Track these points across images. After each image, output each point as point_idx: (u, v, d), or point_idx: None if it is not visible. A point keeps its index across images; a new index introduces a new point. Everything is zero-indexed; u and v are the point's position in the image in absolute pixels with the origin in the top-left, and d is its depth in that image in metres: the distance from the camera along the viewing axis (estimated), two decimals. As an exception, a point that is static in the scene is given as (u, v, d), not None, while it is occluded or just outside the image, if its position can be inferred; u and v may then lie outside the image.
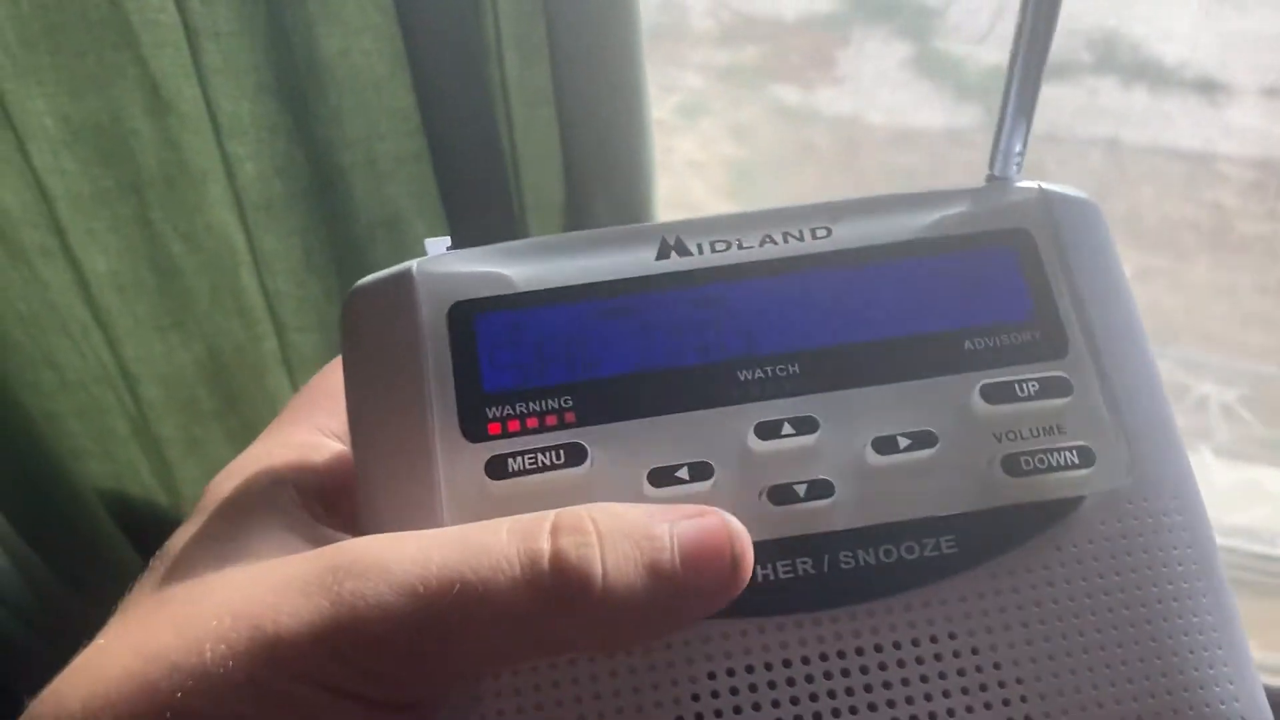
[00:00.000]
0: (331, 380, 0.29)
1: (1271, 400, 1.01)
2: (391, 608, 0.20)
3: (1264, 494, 0.93)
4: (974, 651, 0.24)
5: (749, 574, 0.23)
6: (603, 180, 0.56)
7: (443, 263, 0.27)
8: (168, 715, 0.19)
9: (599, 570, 0.22)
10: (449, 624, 0.21)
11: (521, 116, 0.55)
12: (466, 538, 0.22)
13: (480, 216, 0.60)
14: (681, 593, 0.22)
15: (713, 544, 0.23)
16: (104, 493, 0.84)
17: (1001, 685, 0.24)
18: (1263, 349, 1.05)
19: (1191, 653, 0.24)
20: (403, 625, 0.20)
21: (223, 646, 0.20)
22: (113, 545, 0.84)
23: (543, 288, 0.27)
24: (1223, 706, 0.24)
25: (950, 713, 0.24)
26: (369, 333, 0.27)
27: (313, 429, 0.28)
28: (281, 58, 0.57)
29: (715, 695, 0.24)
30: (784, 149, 1.23)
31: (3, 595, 0.86)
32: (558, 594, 0.21)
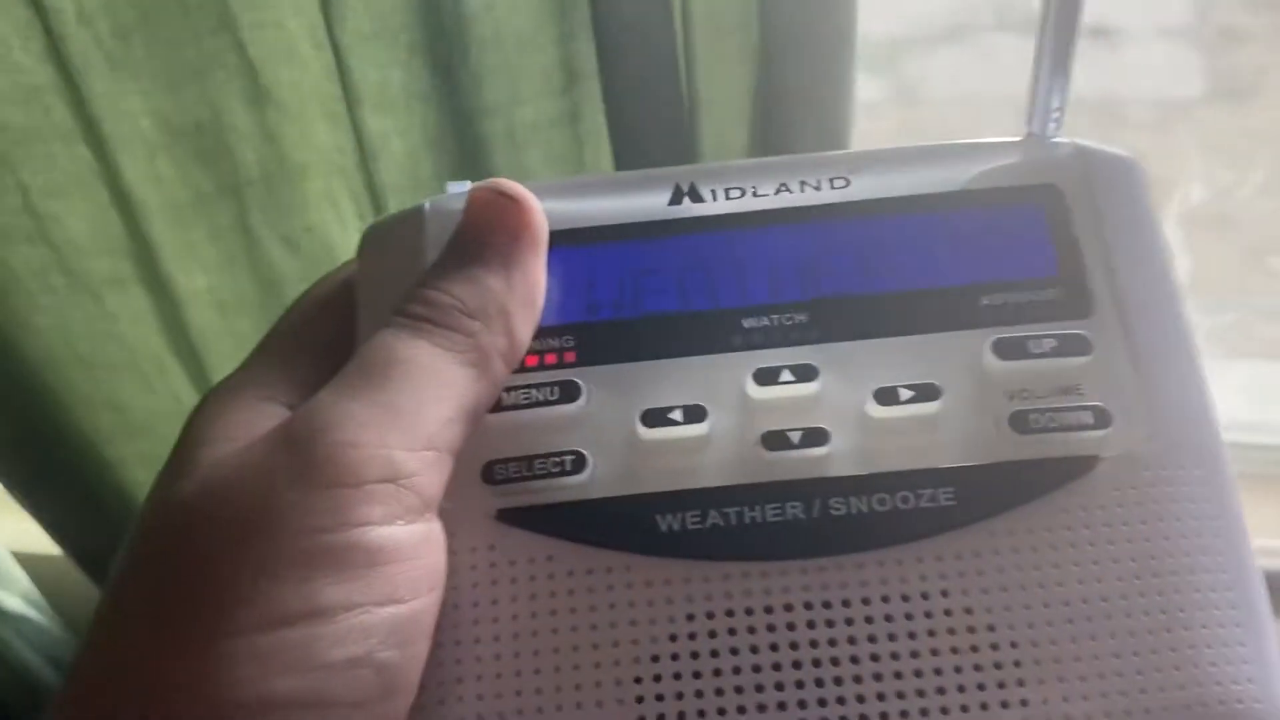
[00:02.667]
0: (302, 320, 0.29)
1: None
2: None
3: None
4: (967, 611, 0.23)
5: (528, 202, 0.26)
6: (796, 128, 0.53)
7: (455, 201, 0.27)
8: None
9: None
10: None
11: (706, 50, 0.52)
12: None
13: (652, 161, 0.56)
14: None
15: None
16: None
17: (994, 648, 0.23)
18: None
19: (1205, 628, 0.23)
20: None
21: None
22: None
23: (552, 229, 0.27)
24: (1235, 687, 0.23)
25: (938, 671, 0.23)
26: (380, 266, 0.28)
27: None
28: (429, 15, 0.52)
29: (692, 637, 0.23)
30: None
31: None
32: None
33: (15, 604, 0.79)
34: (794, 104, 0.53)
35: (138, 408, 0.71)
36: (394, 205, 0.58)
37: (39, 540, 0.78)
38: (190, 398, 0.70)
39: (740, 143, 0.55)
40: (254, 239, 0.62)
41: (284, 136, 0.59)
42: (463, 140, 0.57)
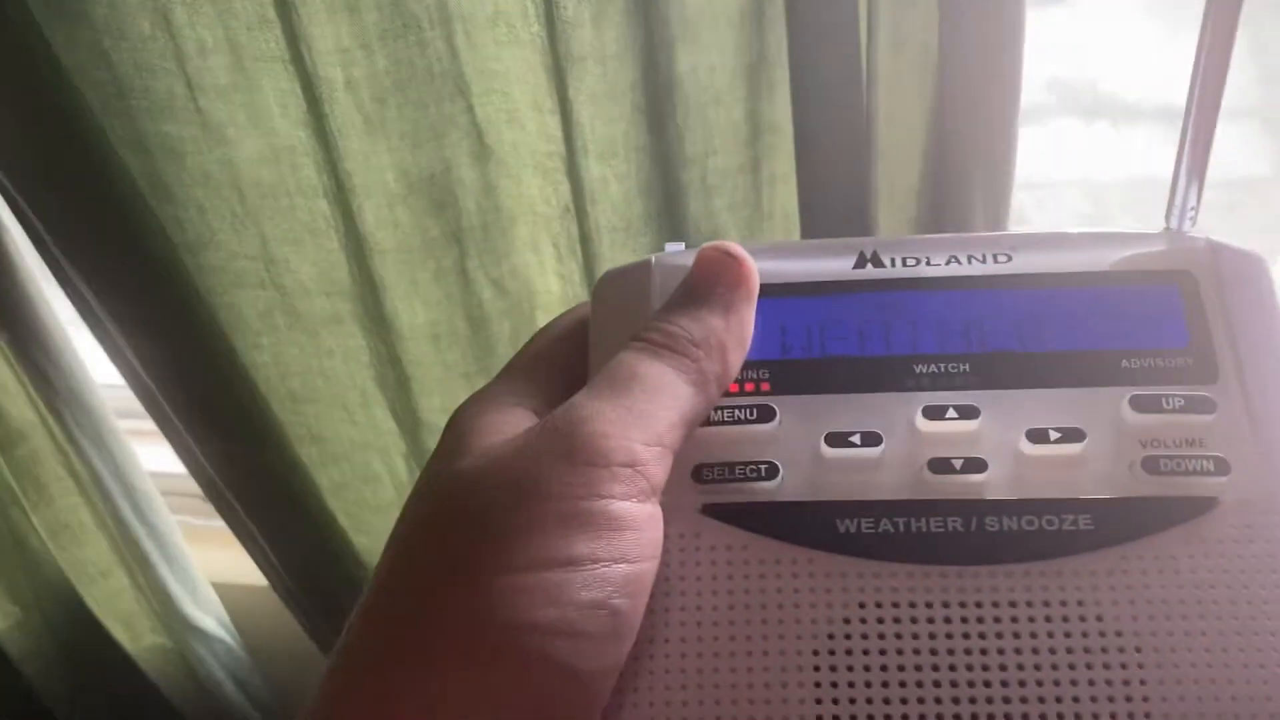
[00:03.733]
0: (544, 347, 0.34)
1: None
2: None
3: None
4: (1099, 619, 0.26)
5: (746, 261, 0.31)
6: (964, 171, 0.61)
7: (677, 258, 0.33)
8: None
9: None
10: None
11: (886, 105, 0.60)
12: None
13: (829, 205, 0.64)
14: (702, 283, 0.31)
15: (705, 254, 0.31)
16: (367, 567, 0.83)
17: (1121, 651, 0.26)
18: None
19: None
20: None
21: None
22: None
23: (762, 283, 0.32)
24: None
25: (1071, 666, 0.26)
26: (614, 306, 0.33)
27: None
28: (648, 77, 0.61)
29: (863, 622, 0.27)
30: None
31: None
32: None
33: (210, 624, 0.85)
34: (964, 153, 0.61)
35: (338, 439, 0.78)
36: (607, 243, 0.66)
37: (229, 569, 0.85)
38: (391, 429, 0.77)
39: (912, 185, 0.63)
40: (469, 279, 0.70)
41: (500, 189, 0.67)
42: (665, 186, 0.65)
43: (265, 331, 0.73)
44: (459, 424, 0.30)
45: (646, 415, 0.28)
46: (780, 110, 0.64)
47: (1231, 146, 1.25)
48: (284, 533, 0.77)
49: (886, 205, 0.64)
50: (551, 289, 0.71)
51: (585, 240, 0.66)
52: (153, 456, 0.83)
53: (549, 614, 0.25)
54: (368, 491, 0.80)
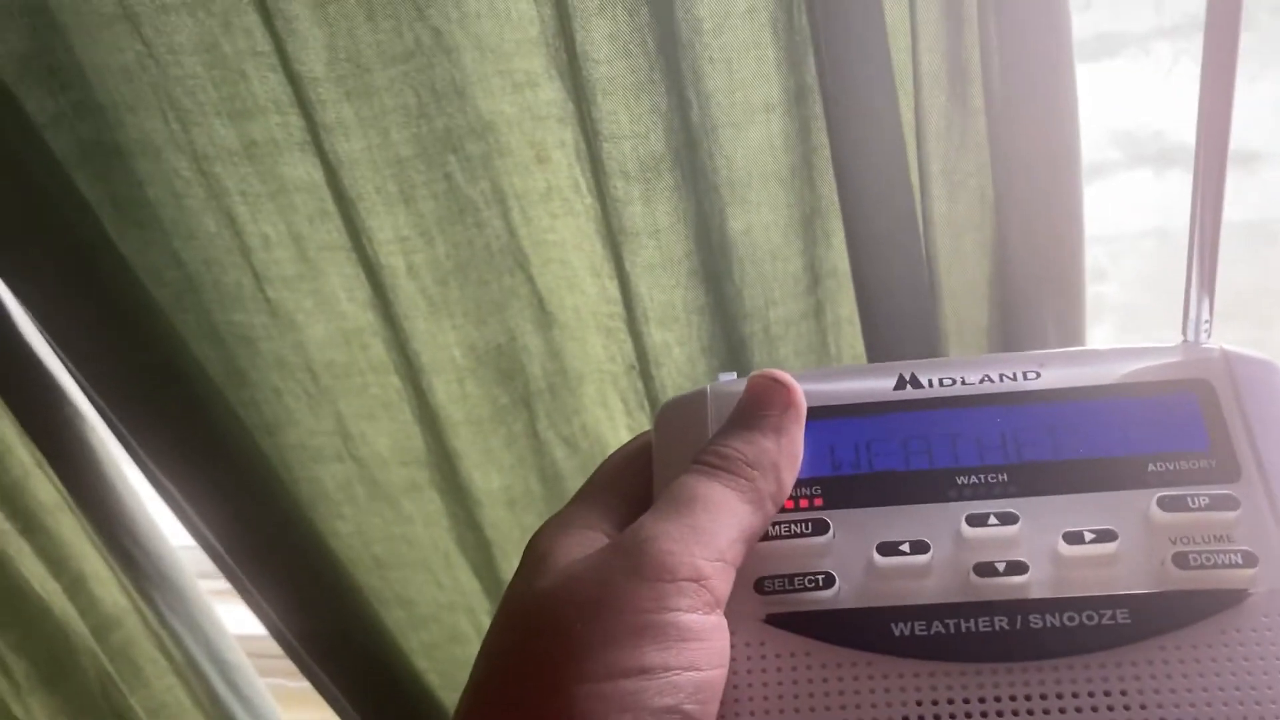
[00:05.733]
0: (612, 473, 0.36)
1: None
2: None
3: None
4: (1142, 708, 0.28)
5: (793, 387, 0.33)
6: (1033, 304, 0.60)
7: (730, 386, 0.35)
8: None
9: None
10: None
11: (946, 246, 0.59)
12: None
13: (897, 349, 0.63)
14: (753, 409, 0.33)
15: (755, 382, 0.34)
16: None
17: None
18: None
19: None
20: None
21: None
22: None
23: (811, 405, 0.34)
24: None
25: None
26: (674, 433, 0.35)
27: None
28: (702, 243, 0.61)
29: None
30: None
31: None
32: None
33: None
34: (1030, 288, 0.60)
35: (425, 601, 0.79)
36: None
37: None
38: (475, 589, 0.78)
39: (981, 324, 0.62)
40: (540, 441, 0.70)
41: (565, 351, 0.68)
42: (729, 342, 0.65)
43: (346, 502, 0.74)
44: (537, 546, 0.32)
45: (708, 533, 0.30)
46: (839, 255, 0.64)
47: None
48: (373, 696, 0.78)
49: (956, 345, 0.63)
50: (623, 440, 0.71)
51: (653, 400, 0.66)
52: (240, 617, 0.84)
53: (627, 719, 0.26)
54: (457, 650, 0.80)
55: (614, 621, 0.28)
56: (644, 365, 0.64)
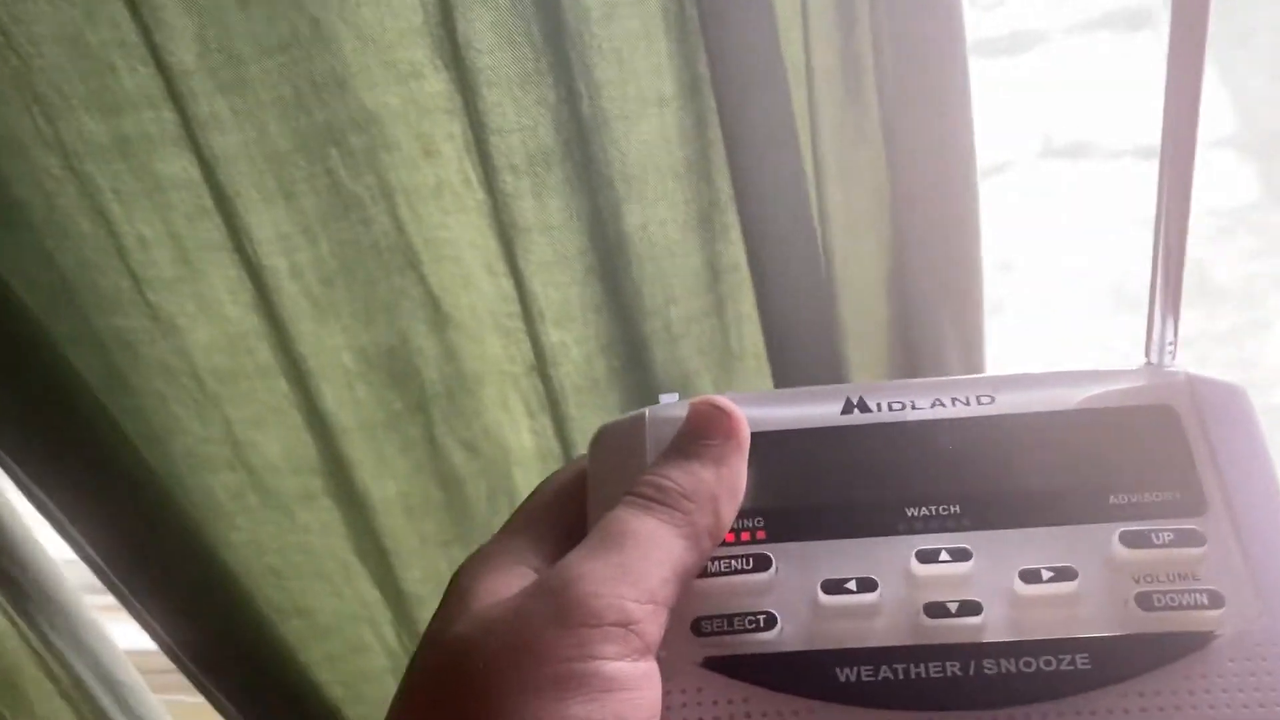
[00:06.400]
0: (544, 502, 0.35)
1: None
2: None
3: None
4: None
5: (735, 415, 0.32)
6: (932, 305, 0.59)
7: (670, 410, 0.33)
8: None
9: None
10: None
11: (843, 242, 0.58)
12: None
13: (798, 344, 0.62)
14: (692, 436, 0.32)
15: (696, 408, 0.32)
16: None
17: None
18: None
19: None
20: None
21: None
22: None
23: (751, 431, 0.32)
24: None
25: None
26: (610, 460, 0.33)
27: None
28: (597, 239, 0.59)
29: None
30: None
31: None
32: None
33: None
34: (929, 287, 0.59)
35: (325, 611, 0.76)
36: (574, 404, 0.64)
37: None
38: (376, 600, 0.75)
39: (880, 319, 0.61)
40: (438, 447, 0.68)
41: (462, 353, 0.66)
42: (629, 340, 0.63)
43: (239, 511, 0.72)
44: (459, 585, 0.30)
45: (638, 572, 0.28)
46: (739, 250, 0.63)
47: (1214, 176, 1.25)
48: (270, 710, 0.75)
49: (856, 342, 0.62)
50: (525, 445, 0.69)
51: (553, 402, 0.64)
52: (133, 634, 0.81)
53: None
54: (361, 662, 0.78)
55: (534, 671, 0.26)
56: (541, 365, 0.62)
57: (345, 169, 0.59)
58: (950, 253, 0.58)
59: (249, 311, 0.63)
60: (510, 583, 0.29)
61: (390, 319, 0.63)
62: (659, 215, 0.61)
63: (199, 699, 0.80)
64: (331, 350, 0.63)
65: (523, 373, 0.66)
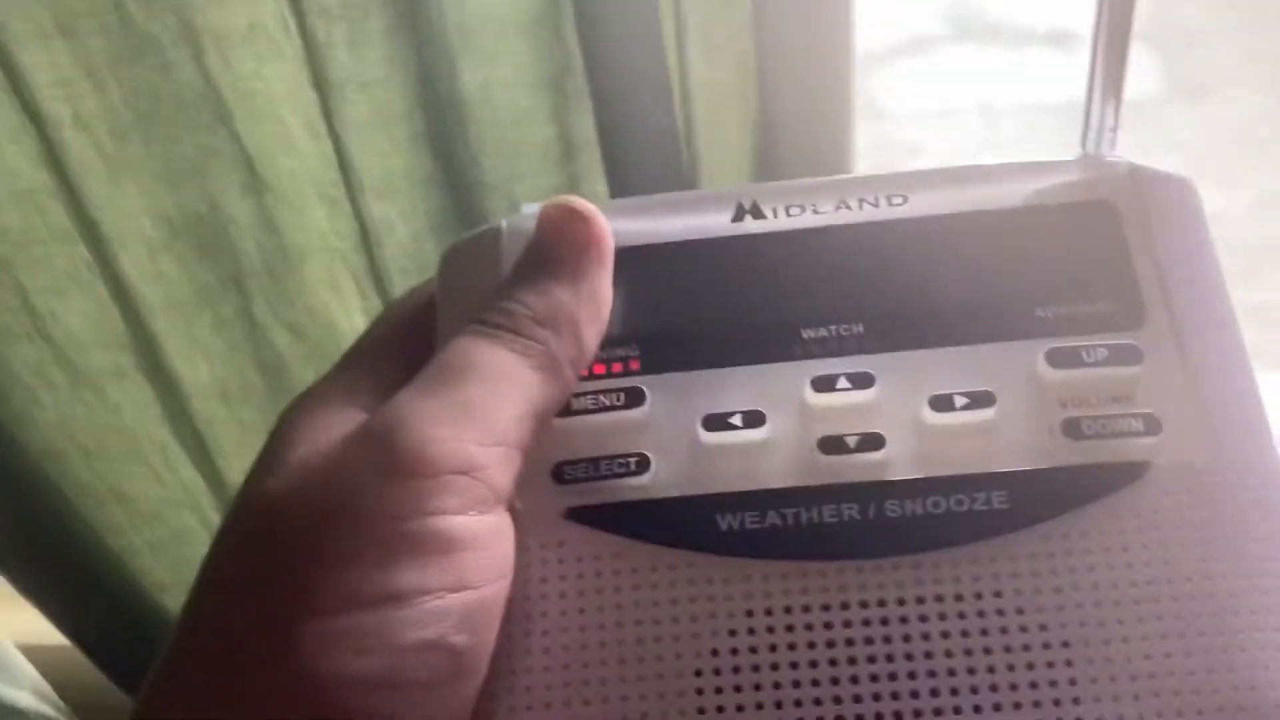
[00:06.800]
0: (387, 332, 0.30)
1: None
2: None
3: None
4: (1019, 612, 0.24)
5: (596, 219, 0.27)
6: (793, 143, 0.53)
7: (530, 221, 0.28)
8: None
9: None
10: None
11: (705, 118, 0.52)
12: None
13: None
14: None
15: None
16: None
17: (1046, 647, 0.23)
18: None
19: (1257, 631, 0.23)
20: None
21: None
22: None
23: (621, 245, 0.28)
24: None
25: (990, 670, 0.23)
26: (458, 281, 0.29)
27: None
28: (428, 102, 0.53)
29: (751, 633, 0.24)
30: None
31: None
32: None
33: (26, 700, 0.78)
34: (795, 169, 0.53)
35: (146, 497, 0.70)
36: (400, 287, 0.58)
37: (45, 631, 0.77)
38: (199, 485, 0.70)
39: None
40: (257, 327, 0.62)
41: (283, 224, 0.59)
42: (466, 218, 0.57)
43: (42, 387, 0.65)
44: (279, 432, 0.25)
45: (485, 411, 0.24)
46: (593, 125, 0.56)
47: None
48: (79, 599, 0.70)
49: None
50: (357, 329, 0.63)
51: (378, 284, 0.58)
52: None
53: (366, 664, 0.21)
54: (186, 550, 0.73)
55: (355, 533, 0.22)
56: (366, 243, 0.56)
57: (137, 4, 0.51)
58: (821, 132, 0.52)
59: (37, 167, 0.56)
60: (338, 426, 0.25)
61: (199, 182, 0.56)
62: (501, 76, 0.54)
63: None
64: (129, 214, 0.55)
65: (352, 249, 0.60)
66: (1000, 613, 0.24)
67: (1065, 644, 0.23)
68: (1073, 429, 0.25)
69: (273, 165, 0.57)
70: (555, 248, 0.27)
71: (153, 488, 0.70)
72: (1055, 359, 0.26)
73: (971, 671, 0.23)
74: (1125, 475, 0.25)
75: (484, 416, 0.24)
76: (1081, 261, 0.27)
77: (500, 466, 0.24)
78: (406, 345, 0.28)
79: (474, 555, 0.23)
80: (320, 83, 0.51)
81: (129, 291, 0.59)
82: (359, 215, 0.55)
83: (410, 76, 0.51)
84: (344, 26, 0.48)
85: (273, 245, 0.59)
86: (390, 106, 0.51)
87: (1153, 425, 0.25)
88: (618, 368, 0.27)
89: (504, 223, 0.29)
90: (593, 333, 0.27)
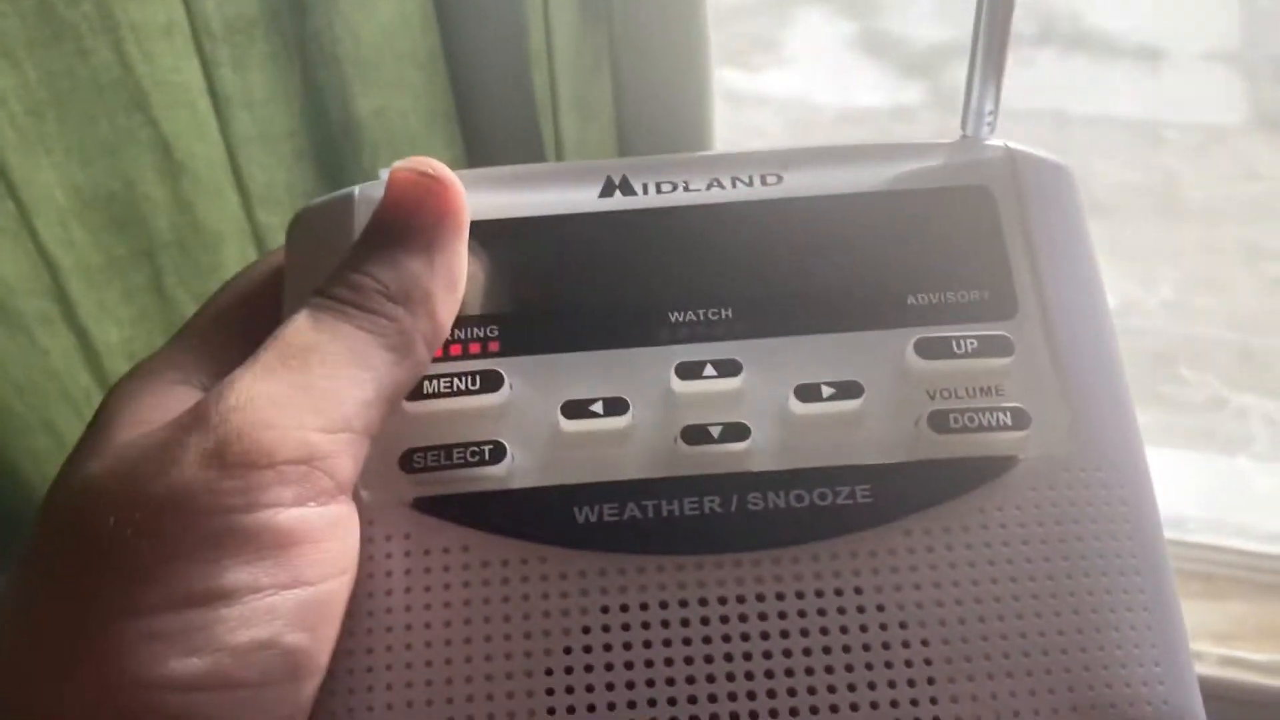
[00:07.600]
0: (229, 304, 0.28)
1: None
2: None
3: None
4: (879, 609, 0.23)
5: (450, 184, 0.25)
6: (656, 124, 0.52)
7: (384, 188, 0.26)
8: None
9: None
10: None
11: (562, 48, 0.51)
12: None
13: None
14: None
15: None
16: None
17: (906, 645, 0.23)
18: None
19: (1117, 630, 0.23)
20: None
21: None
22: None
23: (481, 219, 0.26)
24: (1145, 689, 0.23)
25: (849, 668, 0.23)
26: (308, 251, 0.27)
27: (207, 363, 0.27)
28: (316, 122, 0.54)
29: (606, 629, 0.23)
30: (733, 133, 1.23)
31: None
32: None
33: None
34: (652, 102, 0.52)
35: (70, 432, 0.74)
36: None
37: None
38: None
39: (608, 144, 0.55)
40: (168, 298, 0.65)
41: (198, 205, 0.62)
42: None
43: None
44: (106, 410, 0.24)
45: (327, 394, 0.23)
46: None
47: (1207, 91, 1.18)
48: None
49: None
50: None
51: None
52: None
53: (193, 665, 0.20)
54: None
55: (180, 528, 0.21)
56: (259, 248, 0.58)
57: (55, -7, 0.53)
58: (679, 65, 0.51)
59: (-36, 128, 0.59)
60: (167, 407, 0.23)
61: (113, 161, 0.59)
62: (400, 105, 0.55)
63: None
64: (42, 185, 0.59)
65: (253, 243, 0.62)
66: (860, 610, 0.23)
67: (924, 642, 0.23)
68: (939, 422, 0.24)
69: (189, 150, 0.59)
70: (408, 215, 0.25)
71: (77, 426, 0.74)
72: (924, 349, 0.25)
73: (829, 670, 0.23)
74: (991, 470, 0.24)
75: (327, 400, 0.22)
76: (956, 248, 0.27)
77: (344, 455, 0.22)
78: (250, 318, 0.26)
79: (311, 550, 0.22)
80: (212, 94, 0.53)
81: (46, 251, 0.62)
82: (252, 222, 0.57)
83: (295, 99, 0.52)
84: (228, 49, 0.50)
85: (186, 223, 0.62)
86: (273, 125, 0.53)
87: (1021, 419, 0.24)
88: (475, 349, 0.26)
89: (357, 190, 0.27)
90: (448, 309, 0.25)
